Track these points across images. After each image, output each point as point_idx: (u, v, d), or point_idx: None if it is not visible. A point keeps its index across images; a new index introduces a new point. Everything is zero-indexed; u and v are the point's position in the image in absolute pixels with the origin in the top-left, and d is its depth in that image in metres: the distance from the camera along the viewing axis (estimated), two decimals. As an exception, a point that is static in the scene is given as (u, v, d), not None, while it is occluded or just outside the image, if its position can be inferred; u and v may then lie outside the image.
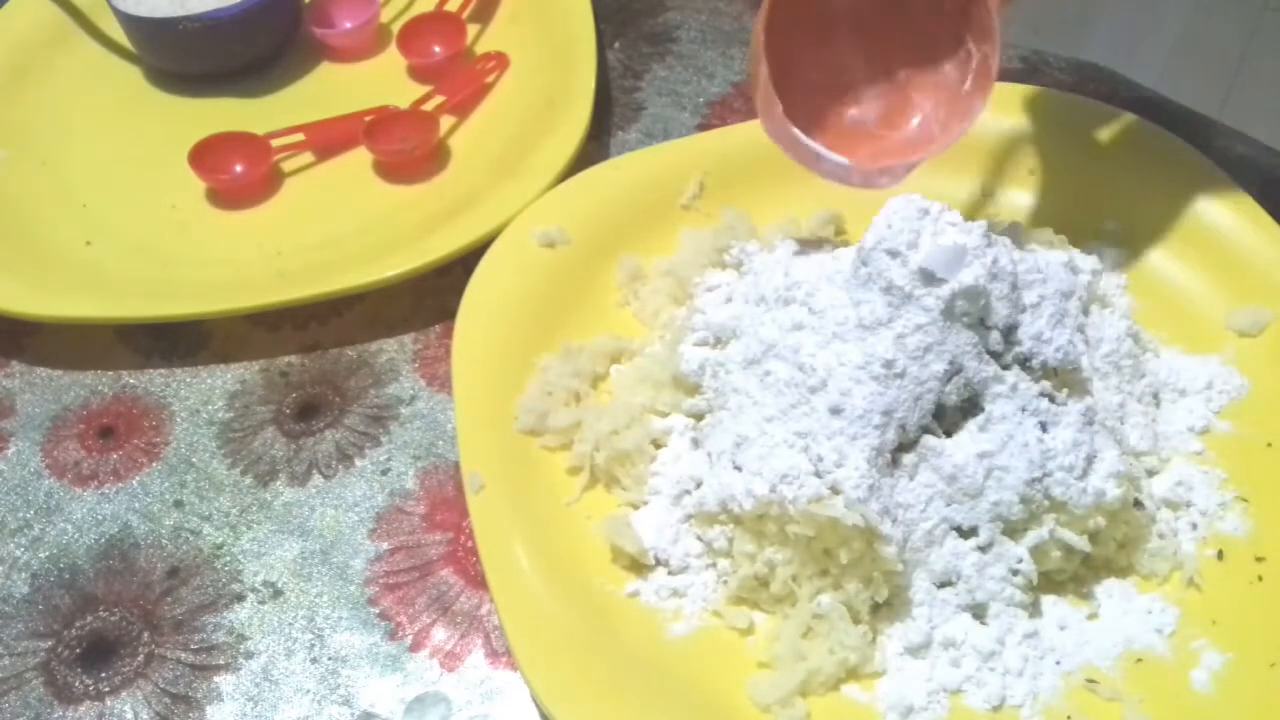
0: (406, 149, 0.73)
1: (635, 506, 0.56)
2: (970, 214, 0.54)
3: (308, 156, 0.75)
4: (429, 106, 0.74)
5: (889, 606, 0.52)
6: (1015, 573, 0.51)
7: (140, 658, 0.55)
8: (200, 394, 0.64)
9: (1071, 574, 0.53)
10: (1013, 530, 0.51)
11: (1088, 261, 0.60)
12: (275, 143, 0.73)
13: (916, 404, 0.51)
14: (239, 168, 0.73)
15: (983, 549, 0.51)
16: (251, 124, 0.75)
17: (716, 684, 0.50)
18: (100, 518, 0.60)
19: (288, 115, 0.75)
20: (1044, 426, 0.52)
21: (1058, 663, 0.51)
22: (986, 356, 0.52)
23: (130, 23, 0.77)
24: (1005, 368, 0.52)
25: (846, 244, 0.62)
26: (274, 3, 0.78)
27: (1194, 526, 0.54)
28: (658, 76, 0.78)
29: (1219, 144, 0.70)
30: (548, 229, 0.64)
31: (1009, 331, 0.53)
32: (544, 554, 0.53)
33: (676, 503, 0.55)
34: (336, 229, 0.70)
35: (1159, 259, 0.62)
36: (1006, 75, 0.75)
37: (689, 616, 0.53)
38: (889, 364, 0.51)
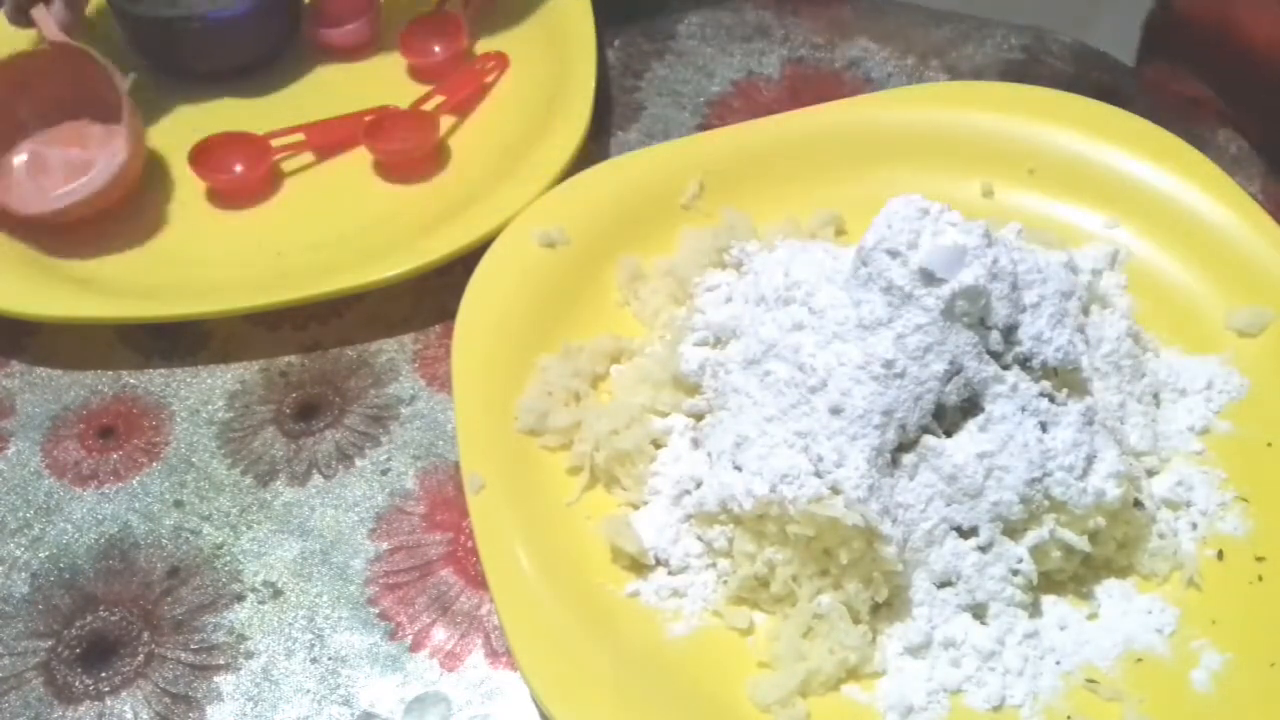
0: (406, 149, 0.72)
1: (635, 506, 0.56)
2: (970, 214, 0.53)
3: (308, 156, 0.75)
4: (429, 106, 0.74)
5: (889, 606, 0.52)
6: (1015, 573, 0.51)
7: (140, 658, 0.55)
8: (200, 394, 0.64)
9: (1071, 574, 0.53)
10: (1013, 530, 0.51)
11: (1088, 261, 0.60)
12: (275, 143, 0.73)
13: (916, 404, 0.51)
14: (239, 168, 0.73)
15: (983, 549, 0.51)
16: (251, 124, 0.74)
17: (716, 684, 0.50)
18: (100, 518, 0.60)
19: (288, 115, 0.75)
20: (1044, 426, 0.52)
21: (1058, 663, 0.51)
22: (986, 356, 0.52)
23: (130, 23, 0.77)
24: (1005, 368, 0.52)
25: (846, 244, 0.62)
26: (274, 3, 0.78)
27: (1194, 526, 0.54)
28: (657, 76, 0.78)
29: (1219, 143, 0.69)
30: (548, 229, 0.63)
31: (1009, 331, 0.52)
32: (544, 554, 0.53)
33: (676, 503, 0.55)
34: (336, 229, 0.70)
35: (1159, 259, 0.62)
36: (1007, 66, 0.75)
37: (689, 616, 0.53)
38: (889, 364, 0.51)
